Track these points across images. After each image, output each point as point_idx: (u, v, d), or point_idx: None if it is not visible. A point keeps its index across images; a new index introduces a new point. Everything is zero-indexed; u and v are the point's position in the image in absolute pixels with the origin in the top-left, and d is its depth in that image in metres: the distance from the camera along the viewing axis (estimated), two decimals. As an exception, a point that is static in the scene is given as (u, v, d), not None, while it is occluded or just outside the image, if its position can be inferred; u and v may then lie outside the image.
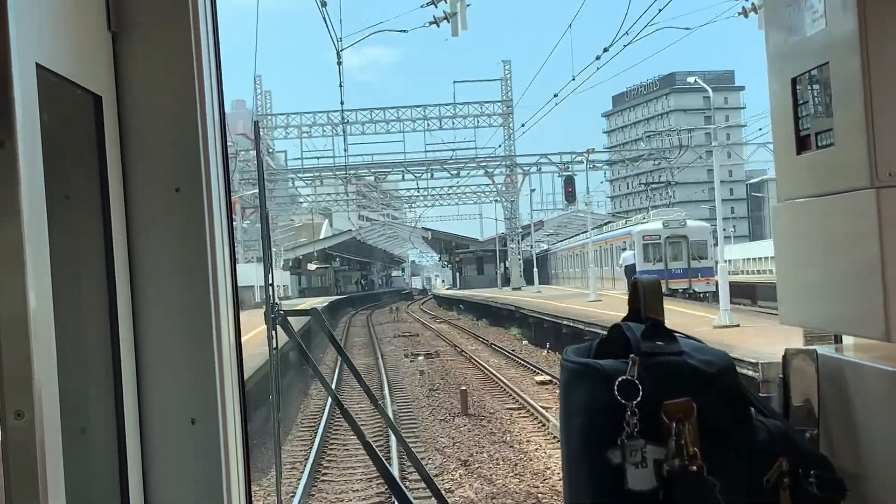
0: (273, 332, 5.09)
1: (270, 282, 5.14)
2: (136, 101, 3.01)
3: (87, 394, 2.98)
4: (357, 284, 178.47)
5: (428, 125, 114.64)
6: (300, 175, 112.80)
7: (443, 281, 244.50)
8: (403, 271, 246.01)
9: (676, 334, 2.74)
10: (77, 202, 2.93)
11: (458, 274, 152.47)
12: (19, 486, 2.27)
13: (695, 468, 2.53)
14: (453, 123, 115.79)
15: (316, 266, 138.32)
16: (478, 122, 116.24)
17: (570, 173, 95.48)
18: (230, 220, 3.18)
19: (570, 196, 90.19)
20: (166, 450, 3.05)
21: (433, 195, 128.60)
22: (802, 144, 3.11)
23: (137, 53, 3.01)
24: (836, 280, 2.97)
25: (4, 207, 2.25)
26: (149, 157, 3.02)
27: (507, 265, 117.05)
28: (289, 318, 5.06)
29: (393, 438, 23.67)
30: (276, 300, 5.20)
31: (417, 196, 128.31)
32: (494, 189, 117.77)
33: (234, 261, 3.20)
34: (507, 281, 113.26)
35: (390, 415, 28.11)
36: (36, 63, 2.44)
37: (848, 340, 3.17)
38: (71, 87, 2.74)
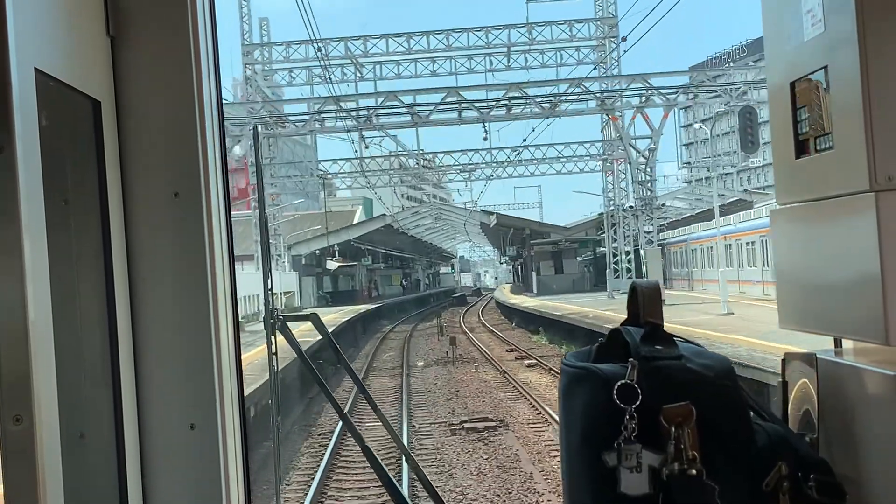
0: (272, 338, 5.12)
1: (270, 287, 5.17)
2: (134, 106, 3.02)
3: (85, 399, 2.98)
4: (401, 286, 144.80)
5: (491, 63, 78.26)
6: (293, 120, 76.25)
7: (496, 278, 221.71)
8: (453, 268, 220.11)
9: (675, 339, 2.74)
10: (75, 207, 2.94)
11: (533, 273, 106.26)
12: (18, 491, 2.27)
13: (694, 472, 2.53)
14: (527, 60, 79.10)
15: (338, 264, 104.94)
16: (561, 57, 78.79)
17: (748, 103, 61.11)
18: (229, 224, 3.18)
19: (751, 141, 53.13)
20: (165, 455, 3.05)
21: (498, 162, 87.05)
22: (801, 148, 3.12)
23: (136, 59, 3.02)
24: (835, 283, 2.98)
25: (3, 212, 2.26)
26: (147, 162, 3.03)
27: (637, 261, 75.87)
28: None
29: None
30: (275, 306, 5.22)
31: (476, 166, 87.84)
32: (614, 134, 77.94)
33: (233, 266, 3.20)
34: (593, 283, 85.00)
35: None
36: (35, 68, 2.44)
37: (847, 344, 3.16)
38: (70, 92, 2.74)
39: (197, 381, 3.03)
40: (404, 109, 73.83)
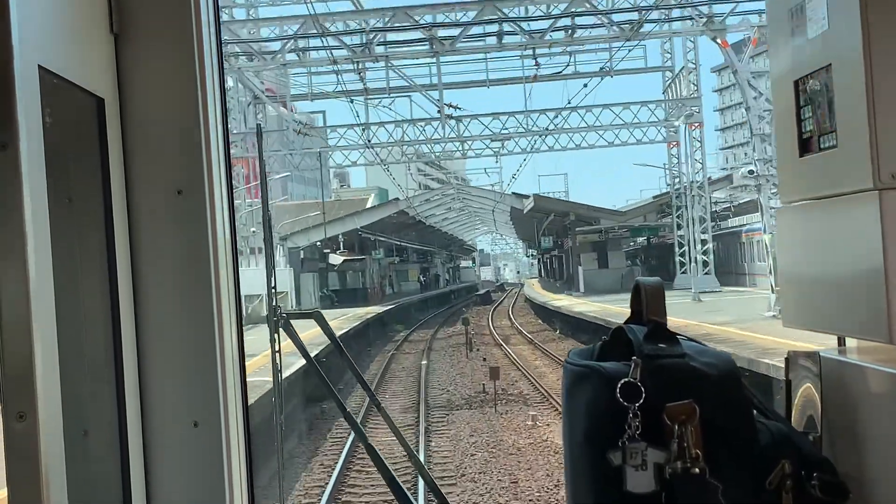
0: (276, 336, 5.15)
1: (273, 285, 5.21)
2: (138, 103, 3.02)
3: (89, 396, 2.99)
4: (418, 282, 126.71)
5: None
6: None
7: (517, 272, 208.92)
8: (474, 262, 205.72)
9: (679, 337, 2.74)
10: (79, 205, 2.94)
11: (579, 268, 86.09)
12: (21, 487, 2.27)
13: (697, 470, 2.53)
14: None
15: (343, 258, 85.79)
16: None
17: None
18: (233, 222, 3.19)
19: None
20: (169, 452, 3.05)
21: (539, 130, 67.41)
22: (805, 147, 3.12)
23: (140, 56, 3.02)
24: (839, 282, 2.98)
25: (7, 210, 2.26)
26: (151, 159, 3.03)
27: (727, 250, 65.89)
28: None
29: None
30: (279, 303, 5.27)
31: (510, 136, 67.84)
32: (684, 91, 63.50)
33: (236, 263, 3.20)
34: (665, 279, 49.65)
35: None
36: (38, 65, 2.45)
37: (851, 343, 3.16)
38: (73, 89, 2.75)
39: (200, 379, 3.03)
40: (420, 35, 54.50)
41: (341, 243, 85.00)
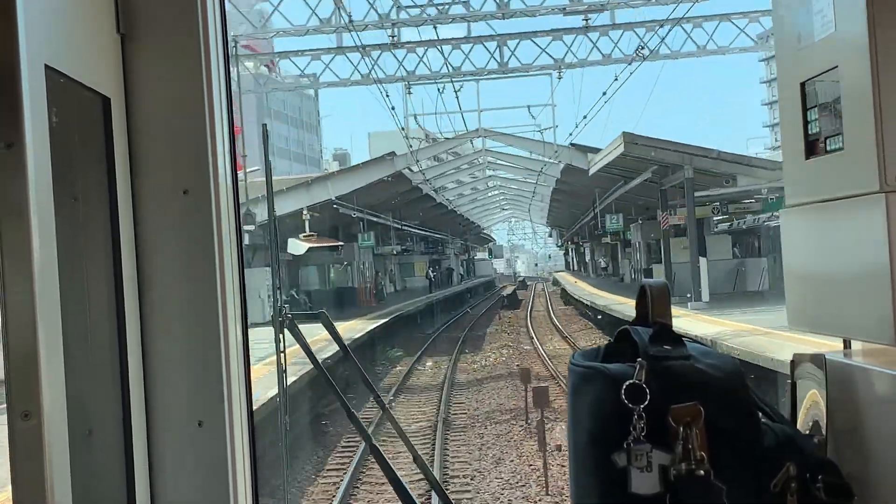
0: (280, 336, 5.16)
1: (278, 286, 5.23)
2: (144, 103, 3.03)
3: (94, 395, 2.99)
4: (427, 278, 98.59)
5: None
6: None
7: (536, 265, 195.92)
8: (490, 253, 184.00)
9: (684, 339, 2.74)
10: (85, 204, 2.95)
11: (702, 261, 47.56)
12: (26, 487, 2.28)
13: (702, 472, 2.52)
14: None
15: (309, 245, 57.05)
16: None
17: None
18: (238, 222, 3.19)
19: None
20: (173, 452, 3.06)
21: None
22: (811, 149, 3.12)
23: (146, 56, 3.03)
24: (844, 285, 2.97)
25: (12, 209, 2.27)
26: (157, 159, 3.04)
27: None
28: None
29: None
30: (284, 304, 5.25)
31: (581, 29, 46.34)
32: None
33: (242, 263, 3.21)
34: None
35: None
36: (45, 64, 2.45)
37: (857, 345, 3.16)
38: (79, 88, 2.75)
39: (205, 378, 3.04)
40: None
41: (307, 222, 56.56)
